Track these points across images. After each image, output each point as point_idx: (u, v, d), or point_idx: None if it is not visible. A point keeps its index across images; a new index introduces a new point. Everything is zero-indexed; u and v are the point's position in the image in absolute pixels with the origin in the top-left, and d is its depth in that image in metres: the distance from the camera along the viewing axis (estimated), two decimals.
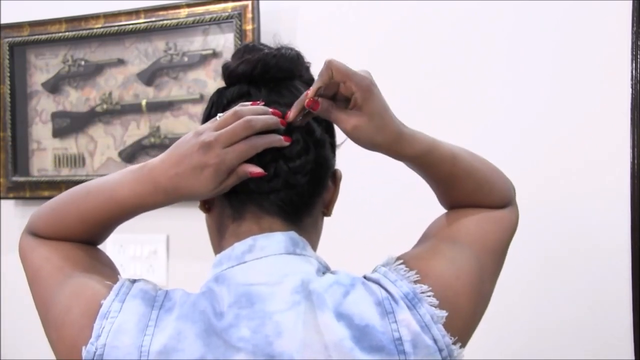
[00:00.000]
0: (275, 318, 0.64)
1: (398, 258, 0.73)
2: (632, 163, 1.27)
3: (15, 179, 1.79)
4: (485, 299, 0.75)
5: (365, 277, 0.71)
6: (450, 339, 0.67)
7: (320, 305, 0.65)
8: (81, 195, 0.77)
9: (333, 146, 0.78)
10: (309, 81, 0.75)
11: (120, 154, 1.72)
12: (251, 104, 0.70)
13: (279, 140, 0.69)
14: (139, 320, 0.67)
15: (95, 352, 0.66)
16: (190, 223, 1.66)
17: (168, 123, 1.67)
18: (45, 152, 1.81)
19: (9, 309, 1.86)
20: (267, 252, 0.69)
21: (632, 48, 1.28)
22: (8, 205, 1.85)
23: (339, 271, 0.71)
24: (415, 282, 0.69)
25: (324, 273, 0.71)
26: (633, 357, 1.27)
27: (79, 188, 0.78)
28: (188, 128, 1.64)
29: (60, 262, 0.76)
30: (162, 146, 1.67)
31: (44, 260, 0.78)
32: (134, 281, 0.72)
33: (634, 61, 1.27)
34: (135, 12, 1.66)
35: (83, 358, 0.67)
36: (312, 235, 0.75)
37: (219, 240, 0.75)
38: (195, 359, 0.64)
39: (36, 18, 1.76)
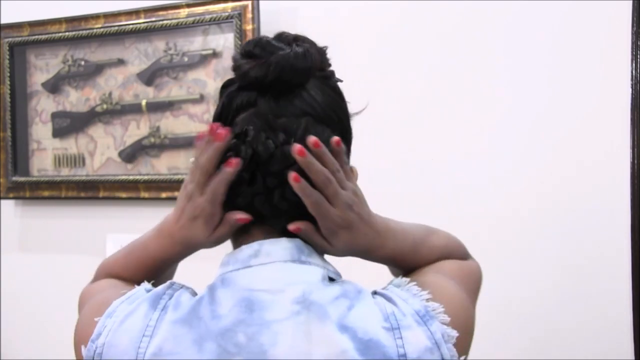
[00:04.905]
0: (273, 327, 0.64)
1: (409, 279, 0.73)
2: (632, 163, 1.27)
3: (15, 179, 1.79)
4: (473, 328, 0.75)
5: (375, 292, 0.71)
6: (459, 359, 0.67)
7: (321, 317, 0.64)
8: (127, 251, 0.83)
9: (349, 150, 0.76)
10: (328, 75, 0.74)
11: (120, 154, 1.72)
12: (201, 134, 0.70)
13: (229, 173, 0.68)
14: (141, 321, 0.67)
15: (95, 351, 0.67)
16: None
17: (168, 123, 1.67)
18: (45, 152, 1.81)
19: (9, 309, 1.86)
20: (273, 259, 0.69)
21: (632, 48, 1.28)
22: (8, 205, 1.85)
23: (348, 282, 0.71)
24: (427, 300, 0.68)
25: (332, 280, 0.70)
26: (633, 357, 1.27)
27: (130, 244, 0.84)
28: (188, 128, 1.64)
29: (114, 281, 0.81)
30: (162, 146, 1.67)
31: (101, 281, 0.83)
32: (150, 290, 0.73)
33: (634, 61, 1.27)
34: (135, 12, 1.66)
35: (84, 356, 0.68)
36: None
37: (233, 237, 0.75)
38: None
39: (36, 18, 1.77)
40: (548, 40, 1.36)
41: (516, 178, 1.38)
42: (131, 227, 1.77)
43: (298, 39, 0.72)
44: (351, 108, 0.77)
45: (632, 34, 1.27)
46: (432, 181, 1.44)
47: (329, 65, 0.76)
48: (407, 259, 0.78)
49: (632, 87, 1.28)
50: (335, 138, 0.69)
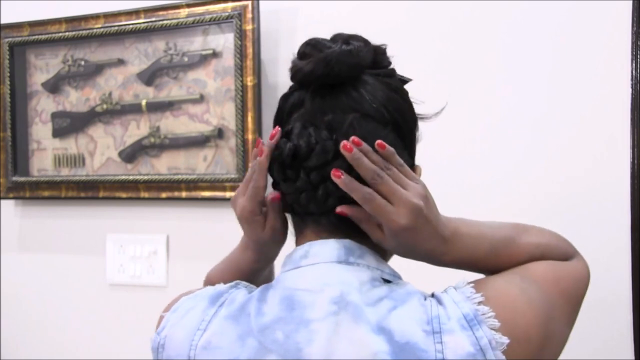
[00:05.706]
0: (311, 326, 0.65)
1: (470, 282, 0.70)
2: (632, 163, 1.27)
3: (15, 179, 1.79)
4: (554, 339, 0.70)
5: (433, 294, 0.69)
6: None
7: (356, 318, 0.64)
8: (222, 261, 0.86)
9: (408, 149, 0.76)
10: (384, 73, 0.74)
11: (120, 154, 1.72)
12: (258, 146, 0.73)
13: (261, 162, 0.71)
14: (198, 316, 0.70)
15: (158, 342, 0.72)
16: (190, 223, 1.67)
17: (168, 123, 1.67)
18: (45, 152, 1.81)
19: (9, 309, 1.86)
20: (319, 259, 0.69)
21: (632, 48, 1.28)
22: (8, 205, 1.86)
23: (402, 284, 0.69)
24: (479, 303, 0.65)
25: (386, 281, 0.69)
26: (633, 357, 1.27)
27: (228, 254, 0.86)
28: (188, 128, 1.64)
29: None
30: (162, 146, 1.67)
31: None
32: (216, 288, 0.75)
33: (634, 61, 1.27)
34: (135, 12, 1.66)
35: (151, 348, 0.73)
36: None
37: (295, 239, 0.77)
38: (231, 358, 0.66)
39: (36, 18, 1.77)
40: (548, 40, 1.36)
41: (516, 178, 1.38)
42: (131, 227, 1.78)
43: (351, 38, 0.73)
44: (424, 109, 0.77)
45: (632, 34, 1.27)
46: (431, 181, 1.43)
47: (388, 63, 0.77)
48: (484, 264, 0.74)
49: (632, 87, 1.28)
50: (378, 141, 0.68)
